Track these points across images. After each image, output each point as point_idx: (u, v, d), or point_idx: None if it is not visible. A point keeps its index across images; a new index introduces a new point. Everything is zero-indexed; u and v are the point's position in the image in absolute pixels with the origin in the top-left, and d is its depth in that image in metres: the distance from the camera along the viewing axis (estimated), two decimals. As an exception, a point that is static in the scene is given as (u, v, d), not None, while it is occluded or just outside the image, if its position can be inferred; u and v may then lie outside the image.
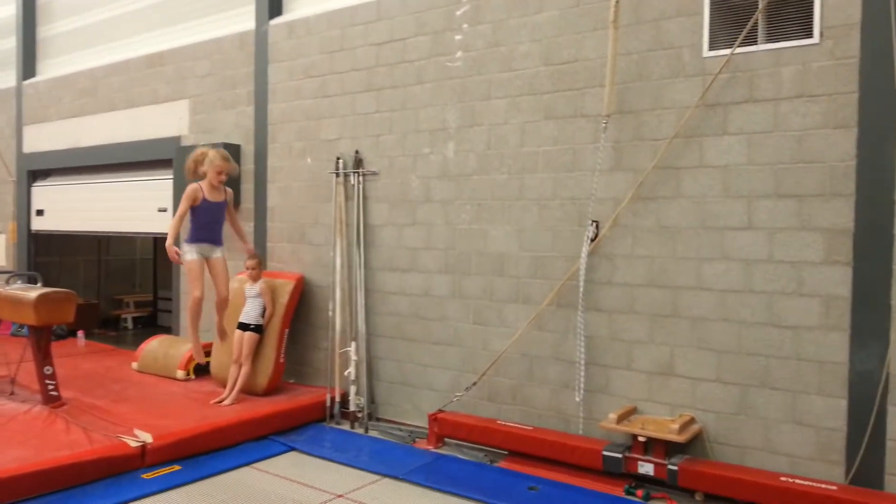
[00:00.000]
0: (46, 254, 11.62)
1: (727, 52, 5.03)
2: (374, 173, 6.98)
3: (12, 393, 6.90)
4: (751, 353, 5.00)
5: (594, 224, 5.61)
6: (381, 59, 6.91)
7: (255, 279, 7.09)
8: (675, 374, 5.31)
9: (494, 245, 6.20)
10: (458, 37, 6.40)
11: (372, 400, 6.94)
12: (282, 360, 7.16)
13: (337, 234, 7.16)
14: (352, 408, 6.78)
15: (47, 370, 6.52)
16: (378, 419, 6.86)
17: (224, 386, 7.01)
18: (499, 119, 6.16)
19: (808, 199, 4.79)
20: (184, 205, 5.80)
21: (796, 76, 4.82)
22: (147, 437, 5.54)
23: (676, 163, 5.29)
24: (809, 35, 4.76)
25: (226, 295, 6.08)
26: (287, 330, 7.23)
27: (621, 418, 5.22)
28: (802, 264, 4.80)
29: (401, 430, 6.53)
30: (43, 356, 6.53)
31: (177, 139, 8.87)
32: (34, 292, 6.49)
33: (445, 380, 6.47)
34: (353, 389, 6.80)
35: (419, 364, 6.67)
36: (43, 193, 11.25)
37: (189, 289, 6.02)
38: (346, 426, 6.75)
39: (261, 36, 7.95)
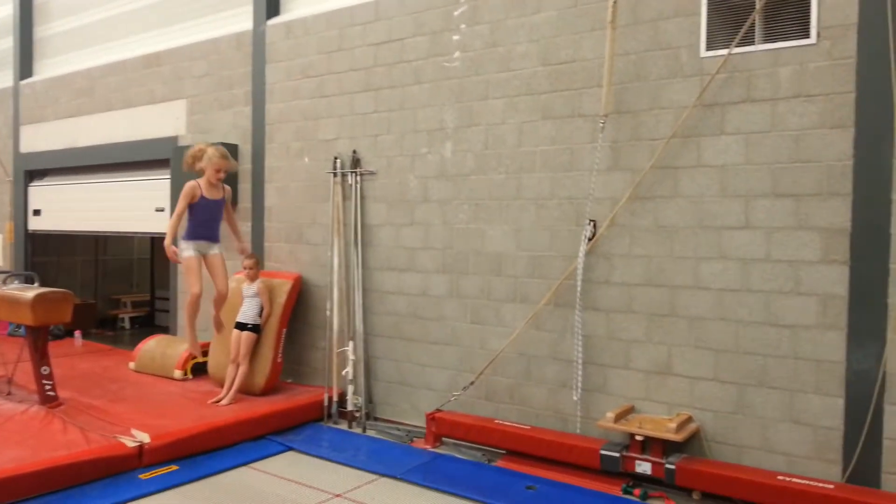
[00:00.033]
0: (43, 254, 11.61)
1: (724, 52, 5.04)
2: (372, 173, 6.98)
3: (9, 393, 6.89)
4: (748, 353, 5.01)
5: (592, 223, 5.62)
6: (379, 59, 6.91)
7: (252, 279, 7.09)
8: (672, 373, 5.32)
9: (492, 245, 6.20)
10: (455, 37, 6.41)
11: (370, 399, 6.94)
12: (279, 360, 7.16)
13: (334, 233, 7.16)
14: (349, 407, 6.77)
15: (44, 370, 6.51)
16: (376, 419, 6.86)
17: (221, 386, 7.00)
18: (496, 119, 6.17)
19: (805, 199, 4.80)
20: (182, 203, 5.80)
21: (793, 76, 4.84)
22: (144, 437, 5.53)
23: (674, 162, 5.30)
24: (807, 35, 4.78)
25: (225, 291, 6.08)
26: (285, 330, 7.22)
27: (619, 417, 5.23)
28: (799, 263, 4.82)
29: (398, 430, 6.54)
30: (40, 356, 6.51)
31: (174, 139, 8.86)
32: (31, 292, 6.48)
33: (443, 379, 6.48)
34: (350, 389, 6.80)
35: (417, 363, 6.67)
36: (40, 193, 11.24)
37: (187, 286, 6.01)
38: (343, 426, 6.75)
39: (258, 36, 7.95)
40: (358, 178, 7.04)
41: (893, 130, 4.48)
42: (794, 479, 4.60)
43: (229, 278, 6.41)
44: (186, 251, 5.87)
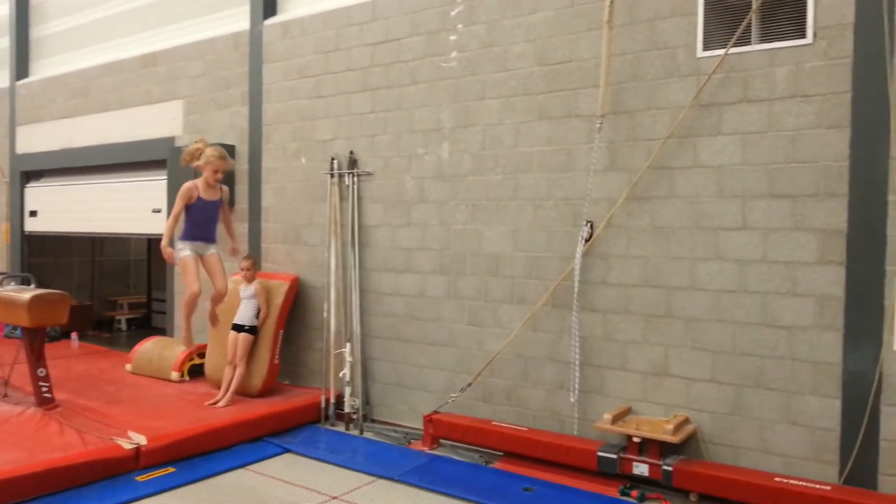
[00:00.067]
0: (40, 255, 11.58)
1: (721, 52, 5.04)
2: (369, 174, 6.97)
3: (6, 395, 6.87)
4: (745, 354, 5.01)
5: (589, 224, 5.61)
6: (376, 59, 6.90)
7: (249, 280, 7.07)
8: (669, 374, 5.32)
9: (489, 245, 6.19)
10: (452, 37, 6.39)
11: (367, 401, 6.92)
12: (276, 362, 7.15)
13: (332, 234, 7.15)
14: (347, 409, 6.76)
15: (41, 372, 6.49)
16: (373, 420, 6.85)
17: (218, 387, 6.99)
18: (493, 119, 6.16)
19: (801, 200, 4.80)
20: (179, 204, 5.78)
21: (790, 76, 4.83)
22: (141, 439, 5.52)
23: (671, 163, 5.30)
24: (803, 35, 4.77)
25: (225, 290, 6.04)
26: (282, 331, 7.21)
27: (616, 419, 5.23)
28: (796, 264, 4.81)
29: (396, 432, 6.53)
30: (36, 358, 6.50)
31: (170, 140, 8.84)
32: (27, 294, 6.47)
33: (440, 381, 6.47)
34: (347, 391, 6.79)
35: (414, 365, 6.66)
36: (36, 194, 11.21)
37: (185, 285, 5.97)
38: (340, 427, 6.74)
39: (255, 36, 7.93)
40: (355, 178, 7.03)
41: (889, 131, 4.48)
42: (791, 481, 4.60)
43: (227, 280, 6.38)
44: (183, 251, 5.85)
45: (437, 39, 6.49)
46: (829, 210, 4.70)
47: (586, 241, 5.61)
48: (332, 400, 6.86)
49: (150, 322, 12.38)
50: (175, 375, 7.68)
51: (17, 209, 11.36)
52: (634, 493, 5.04)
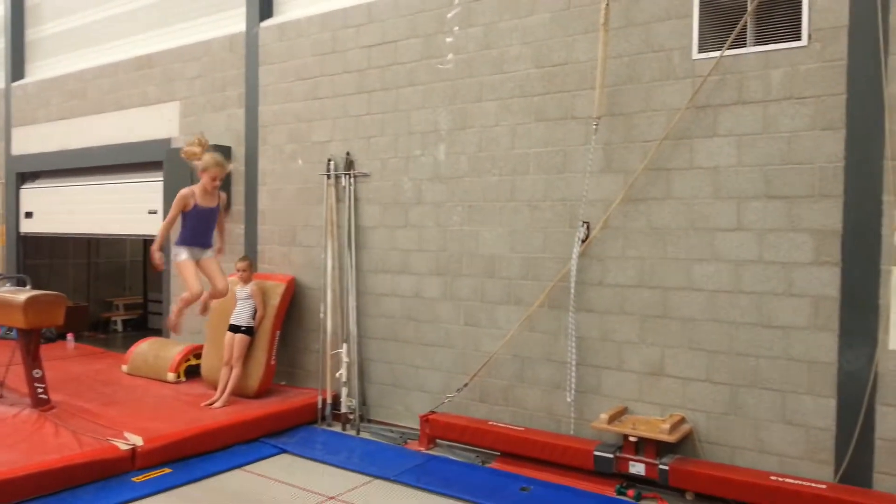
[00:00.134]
0: (36, 256, 11.56)
1: (717, 54, 5.07)
2: (366, 175, 6.98)
3: (1, 396, 6.85)
4: (741, 354, 5.03)
5: (585, 225, 5.63)
6: (373, 61, 6.92)
7: (245, 281, 7.07)
8: (665, 374, 5.33)
9: (486, 247, 6.21)
10: (449, 39, 6.41)
11: (363, 402, 6.93)
12: (273, 363, 7.15)
13: (328, 236, 7.15)
14: (343, 410, 6.77)
15: (36, 373, 6.48)
16: (369, 421, 6.85)
17: (215, 388, 6.98)
18: (490, 121, 6.18)
19: (797, 201, 4.82)
20: (174, 211, 5.72)
21: (785, 78, 4.86)
22: (137, 440, 5.51)
23: (667, 164, 5.32)
24: (798, 38, 4.80)
25: (225, 290, 5.99)
26: (278, 332, 7.21)
27: (612, 419, 5.24)
28: (792, 265, 4.84)
29: (392, 432, 6.53)
30: (32, 359, 6.49)
31: (166, 141, 8.83)
32: (23, 295, 6.45)
33: (437, 381, 6.47)
34: (344, 391, 6.79)
35: (411, 365, 6.67)
36: (32, 196, 11.19)
37: (187, 287, 5.90)
38: (337, 428, 6.74)
39: (251, 38, 7.94)
40: (351, 180, 7.04)
41: (884, 132, 4.51)
42: (787, 480, 4.62)
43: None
44: (180, 255, 5.81)
45: (433, 41, 6.51)
46: (824, 211, 4.73)
47: (583, 242, 5.63)
48: (329, 400, 6.87)
49: (146, 323, 12.38)
50: (171, 376, 7.67)
51: (13, 211, 11.33)
52: (631, 492, 5.06)
